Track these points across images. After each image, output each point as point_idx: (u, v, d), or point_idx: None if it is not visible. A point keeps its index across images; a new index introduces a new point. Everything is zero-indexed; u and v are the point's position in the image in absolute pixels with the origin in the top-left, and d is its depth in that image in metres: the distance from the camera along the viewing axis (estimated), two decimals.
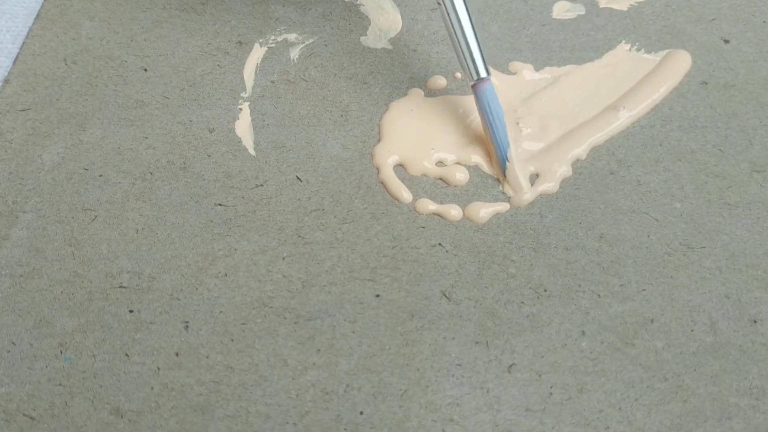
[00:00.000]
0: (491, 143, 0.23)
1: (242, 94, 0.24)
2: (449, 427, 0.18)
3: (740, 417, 0.18)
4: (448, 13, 0.22)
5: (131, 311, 0.20)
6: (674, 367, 0.19)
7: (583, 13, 0.27)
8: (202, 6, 0.26)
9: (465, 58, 0.22)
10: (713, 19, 0.26)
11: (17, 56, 0.25)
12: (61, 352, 0.19)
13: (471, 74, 0.22)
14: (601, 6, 0.27)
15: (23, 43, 0.25)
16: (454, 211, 0.22)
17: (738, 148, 0.23)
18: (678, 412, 0.18)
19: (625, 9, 0.27)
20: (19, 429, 0.18)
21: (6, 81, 0.24)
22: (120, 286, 0.20)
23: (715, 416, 0.18)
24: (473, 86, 0.22)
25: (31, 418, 0.18)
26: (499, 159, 0.22)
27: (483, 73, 0.22)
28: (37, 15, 0.26)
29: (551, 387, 0.19)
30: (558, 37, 0.26)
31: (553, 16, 0.27)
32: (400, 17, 0.26)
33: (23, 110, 0.23)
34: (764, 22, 0.26)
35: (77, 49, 0.25)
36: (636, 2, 0.27)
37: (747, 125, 0.24)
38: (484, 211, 0.22)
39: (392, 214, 0.22)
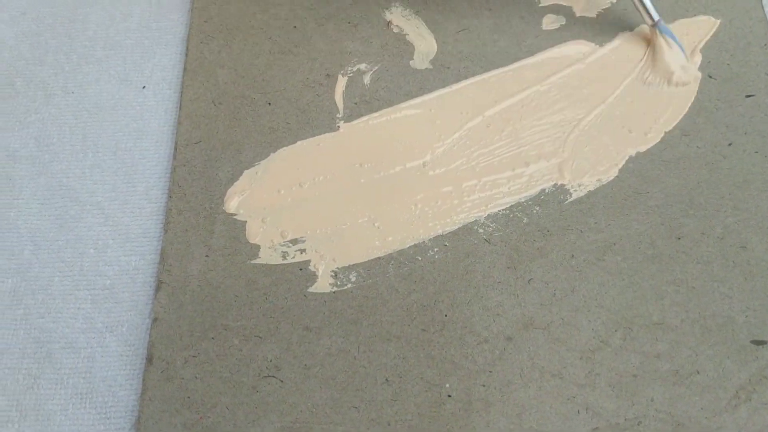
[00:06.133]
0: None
1: (337, 115, 0.36)
2: (497, 319, 0.31)
3: (669, 298, 0.31)
4: None
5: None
6: (628, 271, 0.32)
7: (564, 22, 0.38)
8: (296, 48, 0.38)
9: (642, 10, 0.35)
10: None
11: (180, 102, 0.37)
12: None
13: (651, 18, 0.35)
14: (577, 15, 0.38)
15: (181, 92, 0.37)
16: None
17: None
18: (630, 296, 0.31)
19: (594, 16, 0.38)
20: None
21: (179, 122, 0.36)
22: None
23: (654, 298, 0.31)
24: (653, 26, 0.36)
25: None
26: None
27: (657, 17, 0.35)
28: (185, 68, 0.38)
29: (554, 290, 0.32)
30: (548, 44, 0.37)
31: (543, 28, 0.38)
32: (435, 42, 0.38)
33: (197, 143, 0.36)
34: None
35: (219, 93, 0.37)
36: (602, 9, 0.38)
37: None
38: None
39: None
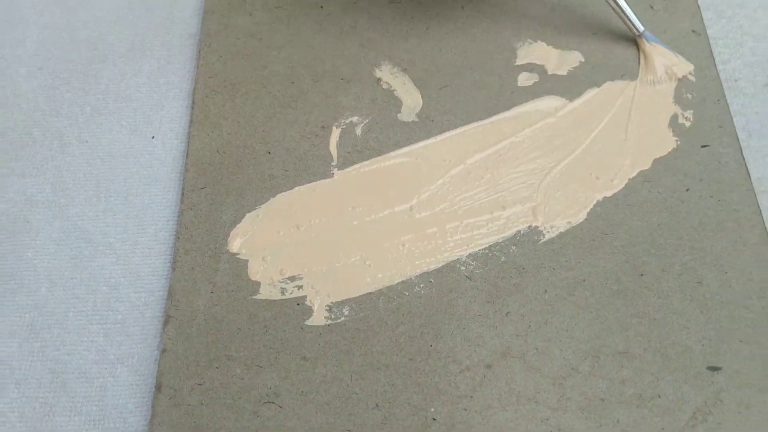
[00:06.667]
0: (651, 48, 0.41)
1: (332, 163, 0.40)
2: (477, 349, 0.34)
3: (632, 329, 0.35)
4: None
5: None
6: (596, 305, 0.35)
7: (537, 79, 0.42)
8: (294, 102, 0.41)
9: (626, 22, 0.41)
10: (623, 75, 0.41)
11: (187, 151, 0.40)
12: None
13: (636, 29, 0.41)
14: (549, 73, 0.42)
15: (188, 141, 0.40)
16: None
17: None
18: (598, 327, 0.35)
19: (565, 73, 0.42)
20: None
21: (186, 169, 0.39)
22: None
23: (619, 329, 0.35)
24: (639, 36, 0.41)
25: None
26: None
27: (641, 28, 0.41)
28: (191, 120, 0.41)
29: (529, 322, 0.35)
30: (523, 99, 0.41)
31: (518, 84, 0.42)
32: (420, 97, 0.41)
33: (202, 188, 0.39)
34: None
35: (223, 142, 0.40)
36: (572, 68, 0.42)
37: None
38: None
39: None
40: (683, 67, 0.41)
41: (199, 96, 0.41)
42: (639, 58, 0.42)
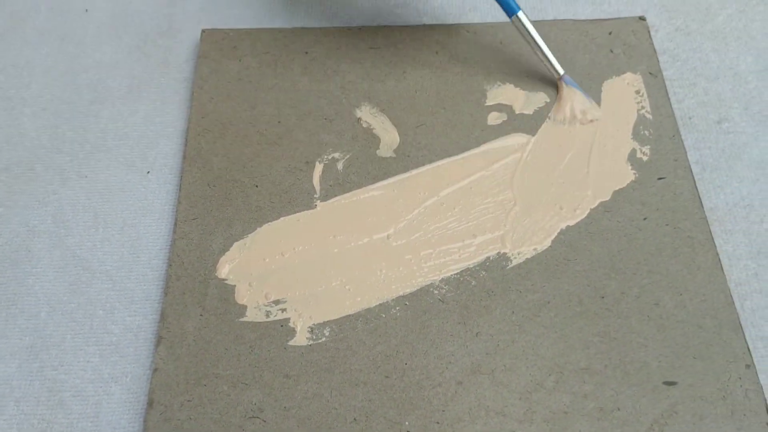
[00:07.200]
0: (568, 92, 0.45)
1: (315, 196, 0.42)
2: (449, 366, 0.37)
3: (594, 347, 0.37)
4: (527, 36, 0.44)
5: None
6: (559, 325, 0.38)
7: (506, 118, 0.45)
8: (280, 140, 0.44)
9: (547, 66, 0.44)
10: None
11: (180, 185, 0.43)
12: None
13: (556, 72, 0.44)
14: (517, 113, 0.45)
15: (181, 176, 0.43)
16: None
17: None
18: (562, 346, 0.37)
19: (531, 112, 0.45)
20: None
21: (179, 201, 0.42)
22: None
23: (581, 347, 0.37)
24: (560, 79, 0.44)
25: None
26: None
27: (561, 71, 0.44)
28: (184, 156, 0.44)
29: (498, 341, 0.37)
30: (492, 136, 0.44)
31: (488, 123, 0.45)
32: (397, 135, 0.45)
33: (194, 219, 0.42)
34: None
35: (213, 177, 0.43)
36: (538, 107, 0.45)
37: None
38: None
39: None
40: (593, 113, 0.44)
41: (192, 134, 0.44)
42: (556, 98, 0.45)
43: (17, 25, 0.51)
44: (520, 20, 0.44)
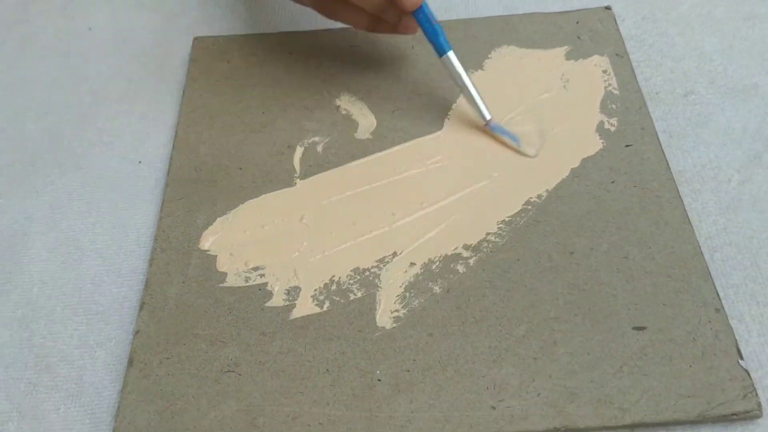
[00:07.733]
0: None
1: (295, 175, 0.44)
2: (420, 320, 0.37)
3: (562, 298, 0.37)
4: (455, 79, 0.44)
5: None
6: (529, 280, 0.38)
7: None
8: (263, 128, 0.47)
9: (476, 113, 0.44)
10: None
11: (169, 170, 0.45)
12: None
13: (483, 118, 0.44)
14: None
15: (170, 164, 0.46)
16: None
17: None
18: (531, 299, 0.38)
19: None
20: None
21: (167, 185, 0.44)
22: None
23: (550, 299, 0.38)
24: (485, 125, 0.44)
25: None
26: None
27: (488, 117, 0.43)
28: (173, 145, 0.47)
29: (468, 296, 0.38)
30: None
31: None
32: (374, 119, 0.47)
33: (180, 199, 0.44)
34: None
35: (200, 162, 0.45)
36: None
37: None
38: None
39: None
40: (527, 150, 0.44)
41: (182, 126, 0.47)
42: None
43: (27, 44, 0.55)
44: (450, 60, 0.43)
